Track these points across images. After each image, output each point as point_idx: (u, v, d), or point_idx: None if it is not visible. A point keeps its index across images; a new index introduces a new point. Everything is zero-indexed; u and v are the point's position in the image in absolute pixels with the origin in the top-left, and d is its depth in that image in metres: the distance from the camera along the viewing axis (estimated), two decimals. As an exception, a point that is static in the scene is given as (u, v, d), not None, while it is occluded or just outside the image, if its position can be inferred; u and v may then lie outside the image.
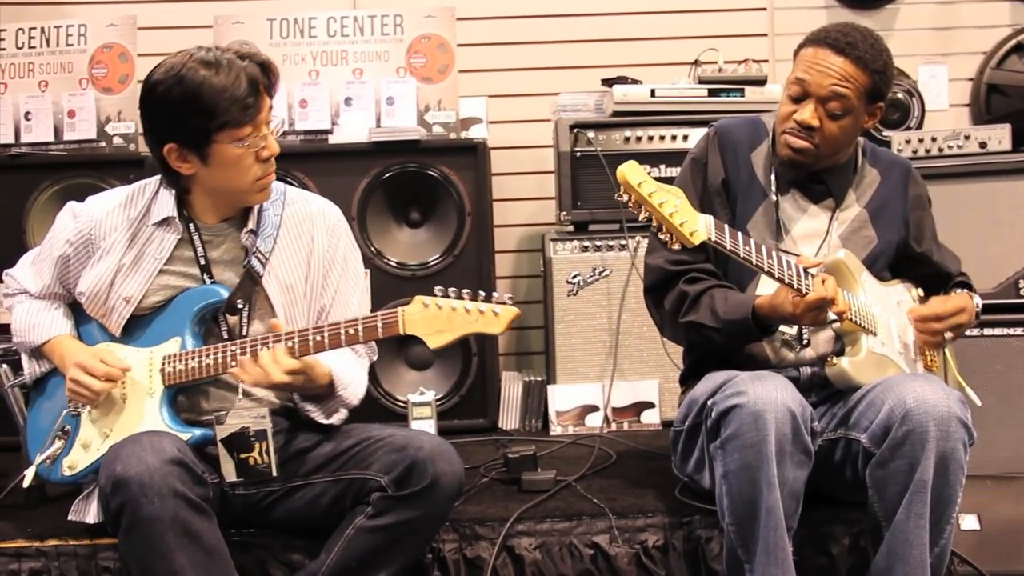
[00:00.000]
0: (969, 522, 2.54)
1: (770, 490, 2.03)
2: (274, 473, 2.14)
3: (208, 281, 2.25)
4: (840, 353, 2.32)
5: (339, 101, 3.58)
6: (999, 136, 3.28)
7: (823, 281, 2.15)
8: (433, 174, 3.44)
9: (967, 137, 3.31)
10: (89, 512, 2.21)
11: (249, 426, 2.13)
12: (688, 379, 2.53)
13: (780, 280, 2.16)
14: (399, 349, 3.46)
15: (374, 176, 3.42)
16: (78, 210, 2.32)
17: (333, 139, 3.55)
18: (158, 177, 2.30)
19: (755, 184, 2.42)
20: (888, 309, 2.38)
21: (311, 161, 3.44)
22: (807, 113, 2.29)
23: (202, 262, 2.25)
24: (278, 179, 2.35)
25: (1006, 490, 2.71)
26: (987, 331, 2.99)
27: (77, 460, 2.20)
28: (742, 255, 2.13)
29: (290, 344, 2.10)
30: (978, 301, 2.45)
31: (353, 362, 2.31)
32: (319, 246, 2.32)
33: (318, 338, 2.10)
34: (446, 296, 2.06)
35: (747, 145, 2.46)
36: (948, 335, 2.39)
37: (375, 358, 2.44)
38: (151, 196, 2.29)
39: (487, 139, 3.57)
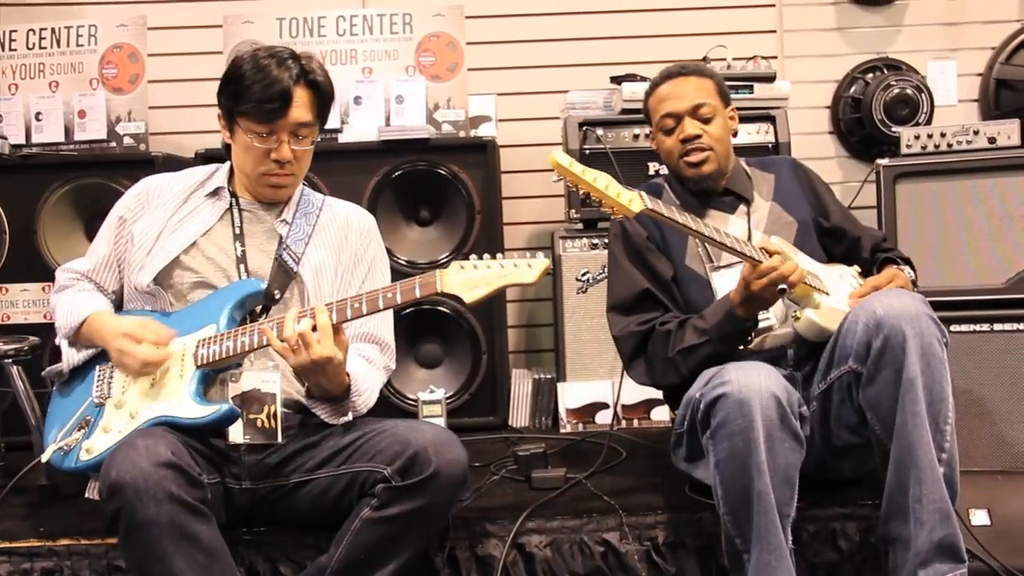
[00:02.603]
0: (980, 517, 2.53)
1: (760, 475, 2.06)
2: (279, 439, 2.17)
3: (239, 250, 2.34)
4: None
5: (349, 100, 3.60)
6: (1008, 131, 3.26)
7: (769, 254, 2.29)
8: (442, 172, 3.44)
9: (976, 132, 3.30)
10: None
11: (259, 387, 2.17)
12: (676, 395, 2.54)
13: (722, 246, 2.29)
14: (409, 347, 3.46)
15: (384, 175, 3.43)
16: (143, 181, 2.48)
17: (343, 138, 3.56)
18: (224, 164, 2.47)
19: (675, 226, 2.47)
20: (832, 281, 2.47)
21: (321, 160, 3.36)
22: (688, 127, 2.56)
23: (237, 231, 2.36)
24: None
25: (1017, 485, 2.70)
26: (997, 326, 2.98)
27: (95, 444, 2.19)
28: (680, 221, 2.27)
29: (328, 311, 2.13)
30: (911, 274, 2.57)
31: (371, 372, 2.34)
32: (352, 242, 2.43)
33: (356, 304, 2.13)
34: (481, 259, 2.12)
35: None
36: None
37: (392, 367, 2.47)
38: (209, 173, 2.46)
39: (496, 137, 3.58)
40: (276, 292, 2.31)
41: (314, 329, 2.10)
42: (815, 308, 2.36)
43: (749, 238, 2.54)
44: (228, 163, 2.44)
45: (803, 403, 2.23)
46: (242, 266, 2.33)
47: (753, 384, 2.10)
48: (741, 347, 2.42)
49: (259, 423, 2.16)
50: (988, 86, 4.11)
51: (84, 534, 2.33)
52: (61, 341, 2.36)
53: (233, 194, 2.41)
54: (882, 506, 2.16)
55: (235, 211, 2.39)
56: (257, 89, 2.24)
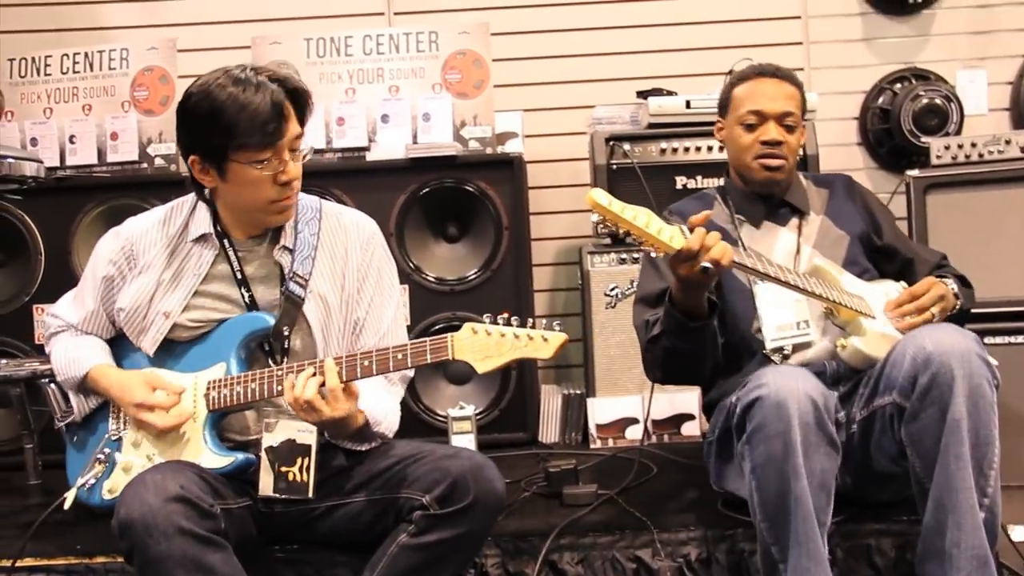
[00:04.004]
0: (1019, 533, 2.49)
1: (797, 479, 2.03)
2: (310, 494, 2.14)
3: (246, 295, 2.26)
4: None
5: (376, 118, 3.62)
6: (1041, 140, 3.24)
7: (703, 233, 2.15)
8: (470, 189, 3.46)
9: (1008, 142, 3.27)
10: None
11: (295, 439, 2.15)
12: (713, 404, 2.53)
13: (755, 272, 2.24)
14: (439, 364, 3.46)
15: (411, 192, 3.45)
16: (118, 230, 2.36)
17: (370, 156, 3.58)
18: (193, 195, 2.33)
19: (725, 237, 2.39)
20: (878, 301, 2.43)
21: (349, 178, 3.47)
22: (774, 131, 2.53)
23: (239, 276, 2.26)
24: (317, 195, 2.38)
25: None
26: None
27: (117, 483, 2.21)
28: (749, 266, 2.23)
29: (337, 369, 2.09)
30: (953, 286, 2.51)
31: (384, 394, 2.28)
32: (353, 260, 2.32)
33: (366, 363, 2.10)
34: (495, 323, 2.06)
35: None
36: (934, 310, 2.40)
37: (410, 374, 2.39)
38: (188, 213, 2.31)
39: (523, 153, 3.59)
40: (285, 328, 2.23)
41: (322, 385, 2.07)
42: (860, 335, 2.32)
43: (798, 251, 2.53)
44: (201, 203, 2.29)
45: (839, 408, 2.21)
46: (253, 310, 2.27)
47: (790, 386, 2.08)
48: (698, 343, 2.34)
49: (291, 476, 2.14)
50: (1019, 94, 4.07)
51: (120, 551, 2.34)
52: (67, 390, 2.37)
53: (222, 235, 2.27)
54: (918, 545, 2.12)
55: (230, 254, 2.27)
56: (248, 115, 2.07)
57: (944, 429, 2.04)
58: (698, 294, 2.26)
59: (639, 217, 2.09)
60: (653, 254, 2.15)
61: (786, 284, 2.27)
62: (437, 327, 3.36)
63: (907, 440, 2.12)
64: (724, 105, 2.66)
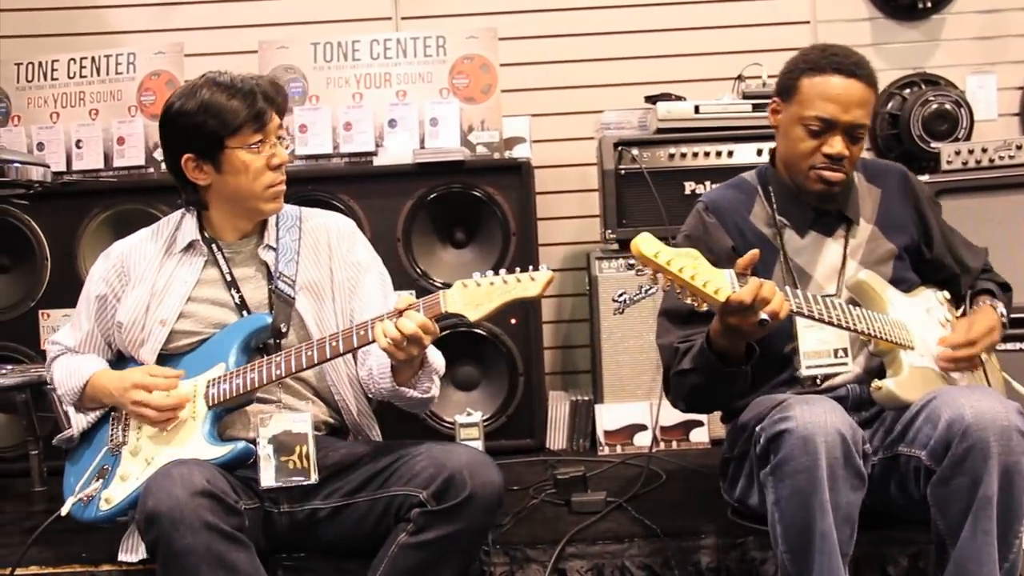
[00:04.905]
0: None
1: (823, 515, 1.99)
2: (312, 478, 2.16)
3: (236, 296, 2.32)
4: (881, 369, 2.28)
5: (383, 123, 3.61)
6: (1051, 146, 3.22)
7: (759, 284, 2.05)
8: (477, 194, 3.44)
9: (1019, 147, 3.25)
10: (139, 550, 2.22)
11: (291, 428, 2.17)
12: (732, 416, 2.47)
13: (810, 316, 2.13)
14: (446, 370, 3.43)
15: (419, 197, 3.44)
16: (108, 251, 2.45)
17: (378, 161, 3.57)
18: (180, 211, 2.42)
19: (766, 244, 2.38)
20: (920, 320, 2.35)
21: (356, 183, 3.46)
22: (839, 145, 2.29)
23: (228, 279, 2.34)
24: (318, 204, 2.39)
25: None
26: (1034, 344, 2.94)
27: (114, 494, 2.21)
28: (817, 316, 2.12)
29: (334, 344, 2.15)
30: (1002, 310, 2.44)
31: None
32: (338, 252, 2.41)
33: (361, 332, 2.13)
34: (484, 276, 2.10)
35: (743, 209, 2.45)
36: (983, 354, 2.35)
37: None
38: (175, 227, 2.41)
39: (531, 158, 3.58)
40: (282, 325, 2.31)
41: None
42: (896, 374, 2.22)
43: (843, 265, 2.39)
44: (188, 213, 2.40)
45: (866, 440, 2.13)
46: (244, 312, 2.32)
47: (818, 420, 2.01)
48: (737, 388, 2.27)
49: (291, 464, 2.15)
50: (1030, 100, 4.06)
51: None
52: (68, 407, 2.38)
53: (210, 240, 2.36)
54: None
55: (219, 258, 2.35)
56: (238, 101, 2.23)
57: (974, 503, 2.00)
58: (742, 342, 2.16)
59: (686, 270, 1.96)
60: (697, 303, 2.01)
61: (831, 323, 2.16)
62: (444, 332, 3.33)
63: (932, 500, 2.07)
64: (787, 90, 2.37)
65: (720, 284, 2.00)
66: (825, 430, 2.00)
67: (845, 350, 2.25)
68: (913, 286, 2.44)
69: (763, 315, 2.02)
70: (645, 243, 1.96)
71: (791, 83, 2.35)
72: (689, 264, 1.97)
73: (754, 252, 2.08)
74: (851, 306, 2.21)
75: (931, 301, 2.44)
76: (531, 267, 2.10)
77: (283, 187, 2.33)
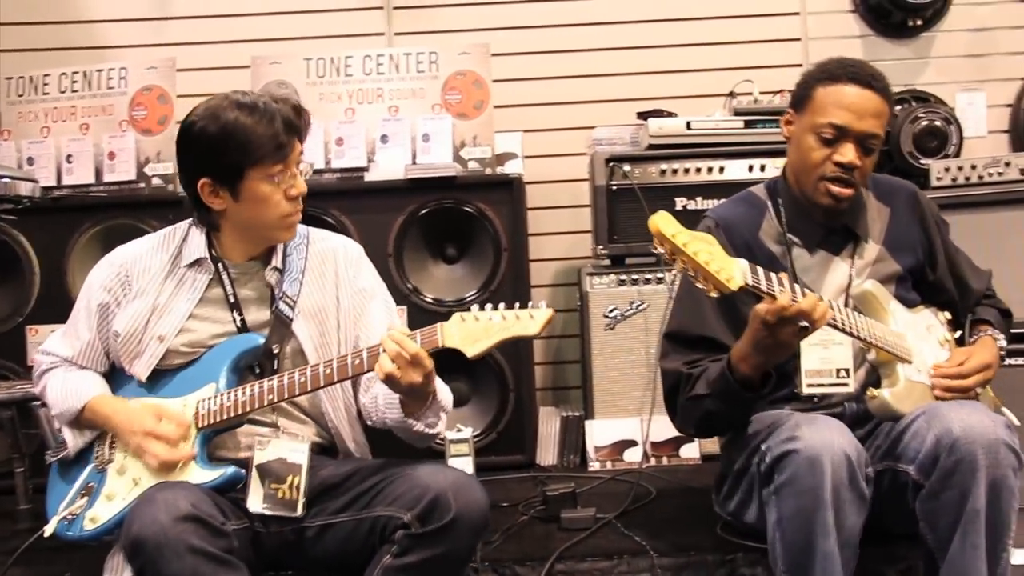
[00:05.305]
0: (1019, 556, 2.46)
1: (826, 537, 1.99)
2: (298, 512, 2.13)
3: (238, 319, 2.27)
4: (877, 385, 2.27)
5: (375, 138, 3.61)
6: (1041, 162, 3.23)
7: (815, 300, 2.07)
8: (469, 210, 3.44)
9: (1007, 164, 3.27)
10: (124, 570, 2.18)
11: (286, 457, 2.14)
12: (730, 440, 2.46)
13: (832, 324, 2.12)
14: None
15: (410, 213, 3.43)
16: (110, 258, 2.36)
17: (369, 176, 3.57)
18: (188, 221, 2.36)
19: (775, 262, 2.37)
20: (920, 336, 2.35)
21: (347, 199, 3.46)
22: (851, 154, 2.27)
23: (231, 300, 2.29)
24: (309, 219, 2.37)
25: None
26: (1030, 362, 2.93)
27: (99, 513, 2.18)
28: (778, 296, 2.09)
29: (328, 371, 2.11)
30: (1002, 343, 2.43)
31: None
32: (344, 279, 2.36)
33: (356, 361, 2.11)
34: (482, 310, 2.08)
35: (752, 226, 2.44)
36: (978, 388, 2.34)
37: None
38: (181, 239, 2.34)
39: (522, 174, 3.58)
40: (275, 346, 2.25)
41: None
42: (892, 385, 2.23)
43: (849, 285, 2.38)
44: (196, 227, 2.34)
45: (869, 463, 2.12)
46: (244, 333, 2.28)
47: (824, 441, 2.01)
48: (748, 411, 2.27)
49: (281, 494, 2.13)
50: (1019, 117, 4.07)
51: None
52: (61, 424, 2.33)
53: (217, 260, 2.30)
54: None
55: (224, 278, 2.29)
56: (262, 132, 2.15)
57: (962, 517, 2.00)
58: (774, 360, 2.14)
59: (700, 254, 1.95)
60: (712, 294, 2.00)
61: (842, 330, 2.16)
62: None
63: (921, 514, 2.08)
64: (801, 100, 2.37)
65: (732, 274, 1.99)
66: (832, 451, 2.00)
67: (847, 370, 2.23)
68: (914, 305, 2.44)
69: (804, 323, 2.04)
70: (664, 222, 1.96)
71: (805, 93, 2.36)
72: (704, 249, 1.97)
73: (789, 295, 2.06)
74: (856, 312, 2.23)
75: (931, 319, 2.44)
76: (530, 304, 2.07)
77: (299, 217, 2.28)
